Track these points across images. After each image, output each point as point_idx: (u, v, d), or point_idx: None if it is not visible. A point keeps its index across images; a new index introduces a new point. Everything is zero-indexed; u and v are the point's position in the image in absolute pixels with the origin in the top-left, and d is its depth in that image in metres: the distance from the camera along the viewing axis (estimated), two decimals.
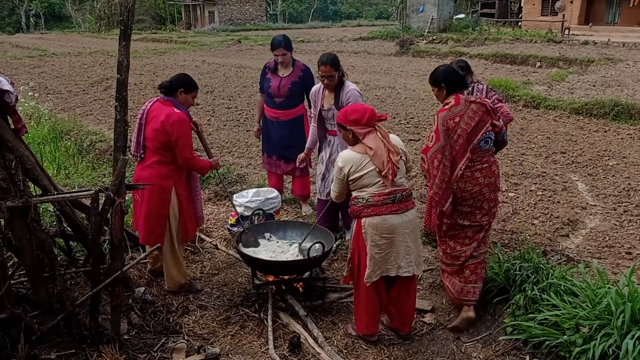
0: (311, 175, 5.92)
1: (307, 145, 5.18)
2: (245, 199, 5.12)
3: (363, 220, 3.42)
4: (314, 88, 4.97)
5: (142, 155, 4.02)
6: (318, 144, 5.05)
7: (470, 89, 4.57)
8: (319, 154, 5.07)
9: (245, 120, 10.22)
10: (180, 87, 4.03)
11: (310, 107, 5.19)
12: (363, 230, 3.42)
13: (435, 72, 3.90)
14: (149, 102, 4.07)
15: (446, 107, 3.73)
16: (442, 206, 3.76)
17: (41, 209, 4.08)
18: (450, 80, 3.79)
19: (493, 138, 3.81)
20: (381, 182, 3.36)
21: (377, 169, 3.34)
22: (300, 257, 4.10)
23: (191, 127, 4.06)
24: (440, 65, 4.02)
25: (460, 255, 3.88)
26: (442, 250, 4.03)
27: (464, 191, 3.76)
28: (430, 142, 3.74)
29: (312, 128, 5.07)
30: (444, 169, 3.69)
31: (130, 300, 3.89)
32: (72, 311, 3.32)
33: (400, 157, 3.39)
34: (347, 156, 3.43)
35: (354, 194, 3.48)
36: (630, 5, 26.74)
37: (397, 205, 3.39)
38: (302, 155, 5.16)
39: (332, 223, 5.11)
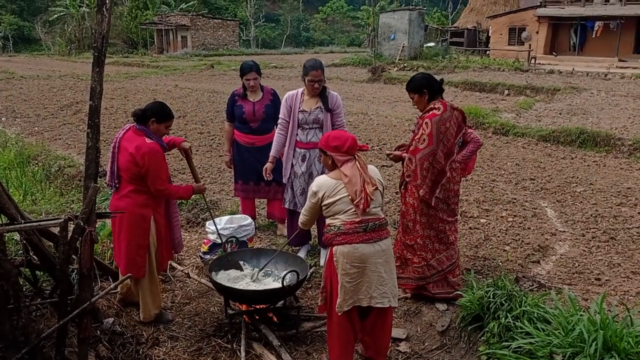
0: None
1: (272, 153, 5.05)
2: (219, 226, 5.05)
3: (335, 248, 3.39)
4: (290, 93, 4.95)
5: (117, 185, 3.92)
6: (285, 153, 4.99)
7: None
8: (291, 168, 4.98)
9: (217, 146, 10.17)
10: (152, 117, 3.91)
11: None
12: (334, 259, 3.39)
13: (415, 80, 4.24)
14: (123, 130, 3.97)
15: (437, 112, 4.06)
16: (430, 201, 4.15)
17: (6, 238, 3.95)
18: (432, 86, 4.15)
19: (460, 143, 4.26)
20: (353, 209, 3.34)
21: (350, 197, 3.34)
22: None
23: (164, 156, 3.97)
24: (417, 74, 4.38)
25: (452, 255, 4.33)
26: (425, 261, 4.25)
27: (450, 191, 4.21)
28: (422, 144, 4.06)
29: (279, 136, 4.99)
30: (433, 170, 4.07)
31: (98, 332, 3.77)
32: (38, 344, 3.19)
33: (376, 188, 3.38)
34: (322, 181, 3.43)
35: (327, 221, 3.46)
36: (593, 36, 27.76)
37: (369, 235, 3.36)
38: (268, 164, 5.04)
39: (306, 237, 5.23)
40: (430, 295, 4.38)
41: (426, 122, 4.06)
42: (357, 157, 3.43)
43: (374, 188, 3.36)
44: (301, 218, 3.64)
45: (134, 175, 3.84)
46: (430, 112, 4.10)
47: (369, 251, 3.36)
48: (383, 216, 3.49)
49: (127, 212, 3.83)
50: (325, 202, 3.39)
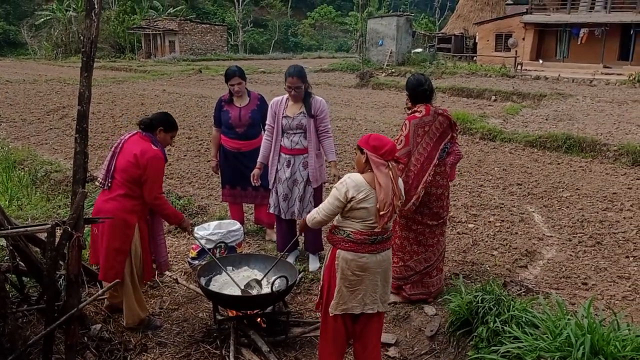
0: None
1: (259, 159, 5.06)
2: (207, 231, 5.04)
3: (338, 251, 3.34)
4: (275, 99, 4.97)
5: (110, 185, 3.91)
6: (270, 159, 4.99)
7: None
8: (275, 173, 4.98)
9: (205, 151, 10.14)
10: (160, 126, 4.01)
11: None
12: (336, 262, 3.35)
13: (407, 80, 4.38)
14: (128, 134, 4.03)
15: (418, 115, 4.13)
16: (404, 206, 4.09)
17: None
18: (414, 91, 4.24)
19: (448, 148, 4.29)
20: (373, 220, 3.26)
21: (376, 207, 3.23)
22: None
23: (164, 166, 3.99)
24: (414, 74, 4.45)
25: (430, 257, 4.34)
26: (402, 262, 4.33)
27: (431, 195, 4.23)
28: (399, 145, 4.08)
29: (266, 142, 5.00)
30: (408, 172, 4.09)
31: (85, 339, 3.75)
32: (24, 351, 3.17)
33: (400, 202, 3.34)
34: (358, 182, 3.25)
35: (336, 223, 3.36)
36: (579, 42, 28.10)
37: (374, 246, 3.31)
38: (256, 171, 5.04)
39: (295, 242, 5.17)
40: (406, 296, 4.43)
41: (405, 124, 4.18)
42: (391, 165, 3.31)
43: (399, 202, 3.31)
44: (315, 217, 3.39)
45: (130, 178, 3.83)
46: (412, 115, 4.21)
47: (371, 261, 3.32)
48: (391, 228, 3.44)
49: (116, 217, 3.80)
50: (352, 203, 3.22)
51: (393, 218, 3.38)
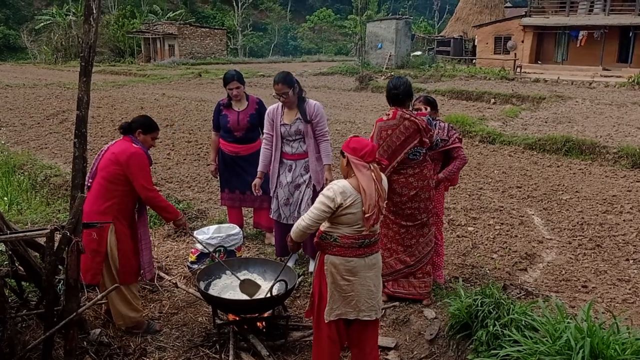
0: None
1: (259, 168, 5.06)
2: (206, 235, 5.04)
3: (326, 257, 3.34)
4: (271, 107, 4.96)
5: (89, 185, 3.94)
6: (272, 166, 4.99)
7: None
8: (277, 178, 4.97)
9: (205, 155, 10.15)
10: (138, 128, 4.04)
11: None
12: (325, 267, 3.35)
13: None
14: (112, 142, 4.10)
15: (384, 118, 4.25)
16: None
17: None
18: (388, 94, 4.32)
19: (422, 151, 4.29)
20: (360, 225, 3.25)
21: (362, 210, 3.21)
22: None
23: (148, 163, 3.99)
24: (395, 77, 4.48)
25: (408, 259, 4.36)
26: (382, 258, 4.31)
27: (402, 195, 4.27)
28: None
29: (265, 151, 5.01)
30: None
31: (85, 343, 3.73)
32: (23, 356, 3.17)
33: (385, 202, 3.34)
34: (344, 188, 3.22)
35: (324, 228, 3.34)
36: (578, 45, 28.15)
37: (362, 250, 3.30)
38: (257, 180, 5.04)
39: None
40: (390, 292, 4.45)
41: (374, 125, 4.29)
42: (373, 167, 3.30)
43: (385, 203, 3.31)
44: (301, 223, 3.29)
45: (108, 176, 3.86)
46: (380, 117, 4.32)
47: (360, 264, 3.31)
48: (378, 231, 3.42)
49: (87, 218, 3.76)
50: (340, 210, 3.20)
51: (380, 220, 3.34)
